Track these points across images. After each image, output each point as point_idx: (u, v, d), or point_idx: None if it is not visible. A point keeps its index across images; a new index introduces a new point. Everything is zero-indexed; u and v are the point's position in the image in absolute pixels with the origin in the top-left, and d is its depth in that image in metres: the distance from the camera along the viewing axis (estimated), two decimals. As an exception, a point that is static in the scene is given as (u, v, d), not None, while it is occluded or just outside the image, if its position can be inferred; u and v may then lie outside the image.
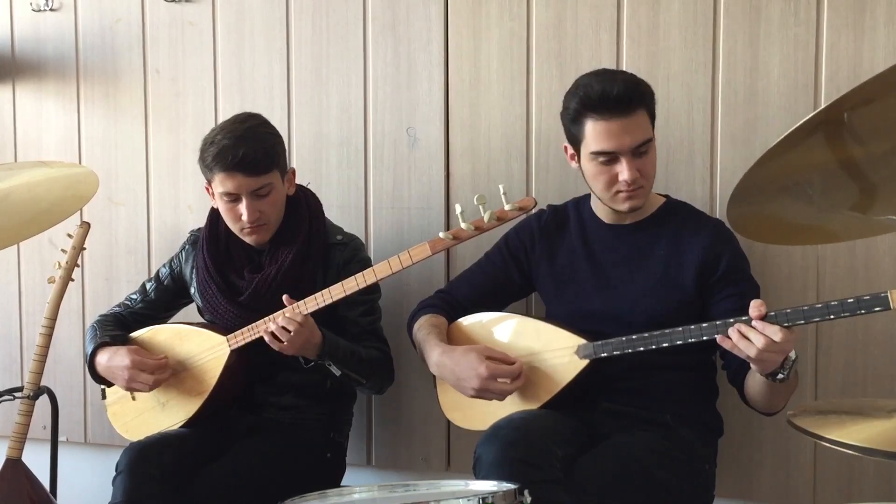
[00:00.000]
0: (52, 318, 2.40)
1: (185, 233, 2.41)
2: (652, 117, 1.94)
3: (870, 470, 2.10)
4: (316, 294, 2.01)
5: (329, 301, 2.00)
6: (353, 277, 2.00)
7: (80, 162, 2.70)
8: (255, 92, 2.54)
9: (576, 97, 1.92)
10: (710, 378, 2.04)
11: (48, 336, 2.40)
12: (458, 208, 1.90)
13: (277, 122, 2.44)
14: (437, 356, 1.99)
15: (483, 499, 1.41)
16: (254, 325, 2.09)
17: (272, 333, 1.99)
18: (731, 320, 1.72)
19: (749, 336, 1.68)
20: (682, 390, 1.98)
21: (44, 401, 2.43)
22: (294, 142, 2.51)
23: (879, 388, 2.08)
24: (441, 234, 1.92)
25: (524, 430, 1.78)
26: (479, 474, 1.74)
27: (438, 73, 2.37)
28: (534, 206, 1.95)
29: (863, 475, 2.10)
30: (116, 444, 2.48)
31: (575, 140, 1.95)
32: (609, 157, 1.90)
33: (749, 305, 1.70)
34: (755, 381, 1.82)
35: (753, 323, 1.68)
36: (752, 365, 1.75)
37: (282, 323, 1.97)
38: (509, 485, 1.51)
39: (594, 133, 1.90)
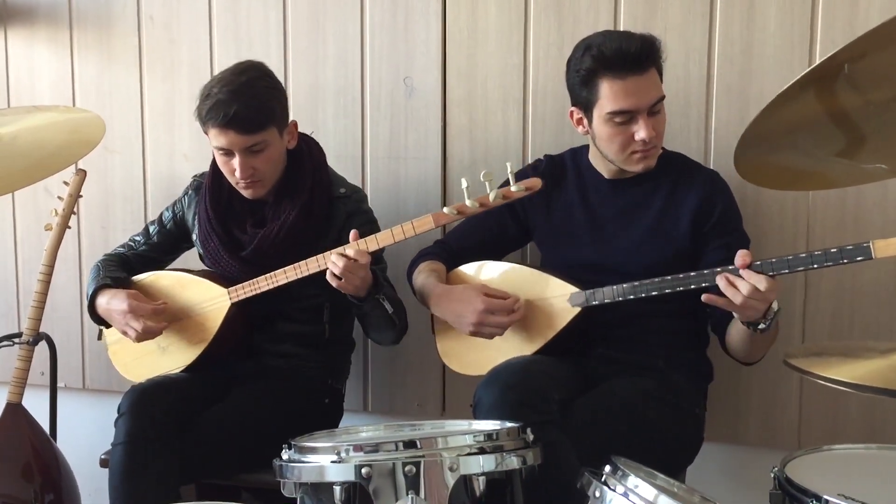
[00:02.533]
0: (50, 265, 2.42)
1: (180, 181, 2.41)
2: (661, 76, 1.94)
3: (853, 413, 2.16)
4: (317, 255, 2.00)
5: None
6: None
7: (73, 110, 2.68)
8: (250, 40, 2.52)
9: (588, 56, 1.89)
10: (702, 325, 2.08)
11: (46, 283, 2.42)
12: (463, 182, 1.88)
13: (273, 71, 2.42)
14: (436, 295, 2.03)
15: (489, 435, 1.45)
16: (255, 280, 2.09)
17: (333, 274, 1.94)
18: (719, 269, 1.76)
19: (736, 284, 1.72)
20: (674, 337, 2.03)
21: (42, 348, 2.46)
22: (290, 91, 2.48)
23: (866, 335, 2.13)
24: (445, 210, 1.91)
25: (523, 373, 1.82)
26: (478, 416, 1.78)
27: (436, 21, 2.37)
28: (541, 187, 1.91)
29: (847, 418, 2.17)
30: (115, 390, 2.51)
31: (586, 103, 1.93)
32: (626, 118, 1.89)
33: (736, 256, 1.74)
34: (737, 331, 1.87)
35: (740, 272, 1.72)
36: (735, 314, 1.79)
37: (353, 255, 1.93)
38: (512, 424, 1.55)
39: (611, 92, 1.88)
